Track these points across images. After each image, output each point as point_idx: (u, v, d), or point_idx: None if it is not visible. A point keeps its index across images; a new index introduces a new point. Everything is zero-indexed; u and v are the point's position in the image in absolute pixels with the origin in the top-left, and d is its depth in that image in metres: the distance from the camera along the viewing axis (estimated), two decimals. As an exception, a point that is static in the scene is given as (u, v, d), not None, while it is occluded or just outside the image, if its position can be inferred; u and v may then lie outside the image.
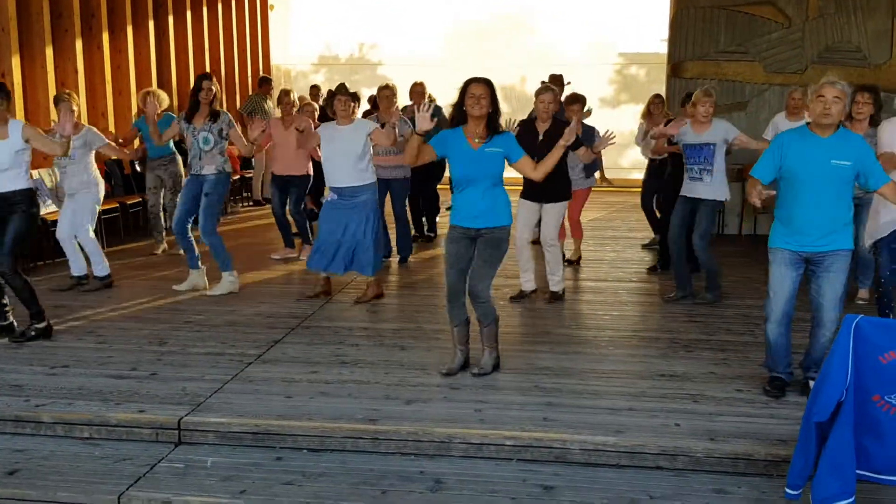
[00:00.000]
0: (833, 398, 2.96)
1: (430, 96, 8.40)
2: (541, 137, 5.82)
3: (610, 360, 4.88)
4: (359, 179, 5.92)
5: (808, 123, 4.13)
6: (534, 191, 6.01)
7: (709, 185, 6.04)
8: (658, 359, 4.90)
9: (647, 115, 8.05)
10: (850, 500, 3.03)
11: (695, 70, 9.44)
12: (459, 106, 4.41)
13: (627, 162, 15.12)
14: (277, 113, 8.46)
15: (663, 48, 10.13)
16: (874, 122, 5.68)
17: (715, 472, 3.59)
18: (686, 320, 5.76)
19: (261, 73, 13.28)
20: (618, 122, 13.68)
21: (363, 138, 5.91)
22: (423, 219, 8.88)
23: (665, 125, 6.49)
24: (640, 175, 14.86)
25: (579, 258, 7.70)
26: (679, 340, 5.27)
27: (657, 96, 8.18)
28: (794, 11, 9.18)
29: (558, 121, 6.00)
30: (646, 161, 8.30)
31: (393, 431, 3.82)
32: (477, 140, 4.40)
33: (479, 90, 4.32)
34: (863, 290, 6.27)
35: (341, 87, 6.11)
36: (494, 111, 4.39)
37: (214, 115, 6.27)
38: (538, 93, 5.87)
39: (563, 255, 6.83)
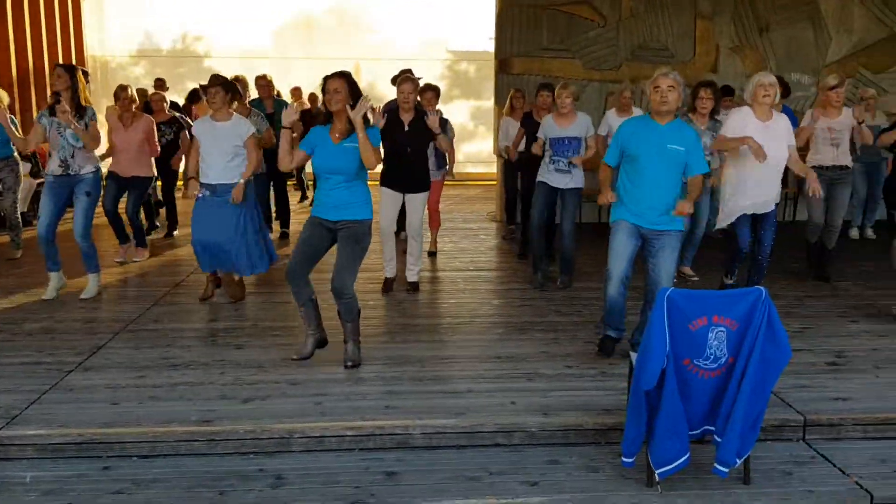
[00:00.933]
0: (657, 366, 3.17)
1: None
2: (406, 128, 5.83)
3: (449, 346, 4.98)
4: (233, 176, 5.69)
5: (649, 112, 4.45)
6: (397, 180, 6.05)
7: (576, 177, 6.32)
8: (494, 342, 5.06)
9: (511, 110, 8.30)
10: (686, 456, 3.29)
11: (521, 66, 9.80)
12: (325, 102, 4.43)
13: (462, 157, 15.49)
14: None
15: (491, 46, 10.42)
16: (713, 114, 6.31)
17: (549, 444, 3.75)
18: (520, 305, 5.98)
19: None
20: (450, 118, 14.01)
21: (241, 138, 5.66)
22: (274, 216, 8.65)
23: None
24: (474, 169, 15.36)
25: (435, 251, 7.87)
26: (513, 324, 5.46)
27: (518, 90, 8.46)
28: (609, 11, 9.75)
29: (421, 111, 6.05)
30: (495, 156, 8.60)
31: (230, 431, 3.69)
32: (338, 135, 4.42)
33: (334, 85, 4.36)
34: (686, 267, 6.77)
35: (214, 79, 5.86)
36: (356, 99, 4.40)
37: (80, 110, 5.78)
38: (399, 83, 5.88)
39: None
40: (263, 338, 5.10)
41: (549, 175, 6.37)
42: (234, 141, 5.64)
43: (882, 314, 5.62)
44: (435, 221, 7.86)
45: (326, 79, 4.39)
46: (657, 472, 3.26)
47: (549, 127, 6.31)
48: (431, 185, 6.61)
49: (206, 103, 5.73)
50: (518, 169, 8.02)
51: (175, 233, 8.78)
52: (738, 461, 3.28)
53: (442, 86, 15.38)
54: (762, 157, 5.22)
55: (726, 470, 3.27)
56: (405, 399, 4.07)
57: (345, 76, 4.39)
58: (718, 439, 3.29)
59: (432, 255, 7.83)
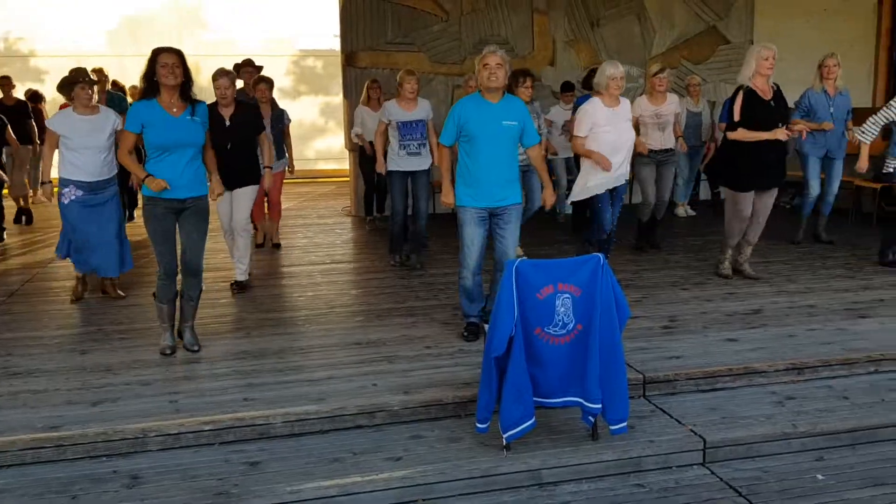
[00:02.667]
0: (505, 334, 3.32)
1: None
2: (227, 122, 5.69)
3: (307, 336, 4.96)
4: (107, 172, 5.41)
5: (479, 91, 4.60)
6: (222, 176, 5.88)
7: (426, 158, 6.54)
8: (354, 330, 5.08)
9: (367, 99, 8.39)
10: (531, 421, 3.46)
11: (367, 60, 9.84)
12: (150, 77, 4.27)
13: (313, 153, 15.35)
14: None
15: (338, 43, 10.40)
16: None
17: (411, 421, 3.84)
18: (378, 293, 6.04)
19: None
20: (299, 114, 13.84)
21: (110, 128, 5.38)
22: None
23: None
24: (326, 166, 15.24)
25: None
26: (373, 311, 5.51)
27: (374, 81, 8.50)
28: (451, 6, 9.97)
29: (242, 103, 5.90)
30: (346, 150, 8.63)
31: (79, 436, 3.52)
32: (175, 109, 4.30)
33: (171, 59, 4.24)
34: (517, 248, 7.04)
35: (81, 72, 5.44)
36: (187, 80, 4.33)
37: None
38: (214, 77, 5.71)
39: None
40: (108, 341, 4.88)
41: (400, 161, 6.51)
42: (107, 134, 5.39)
43: (706, 282, 6.13)
44: (276, 213, 7.79)
45: (159, 52, 4.25)
46: (504, 435, 3.42)
47: (396, 112, 6.44)
48: (274, 176, 6.56)
49: (75, 97, 5.39)
50: (370, 158, 8.10)
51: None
52: (626, 414, 3.50)
53: (289, 82, 15.27)
54: (608, 167, 5.75)
55: (624, 425, 3.50)
56: (265, 390, 4.03)
57: (179, 52, 4.30)
58: (592, 405, 3.46)
59: (277, 246, 7.81)
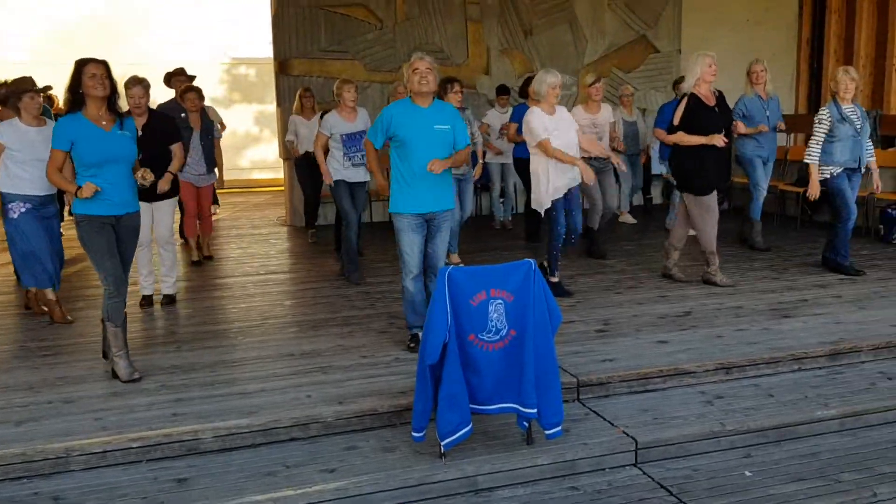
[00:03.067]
0: (439, 341, 3.32)
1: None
2: (139, 132, 5.52)
3: (240, 349, 4.87)
4: (52, 187, 5.19)
5: (409, 97, 4.58)
6: (139, 189, 5.72)
7: (365, 170, 6.49)
8: (288, 341, 5.01)
9: (300, 108, 8.28)
10: (468, 427, 3.46)
11: (301, 68, 9.76)
12: (76, 89, 4.12)
13: (248, 162, 15.14)
14: None
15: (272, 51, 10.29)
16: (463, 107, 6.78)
17: (346, 432, 3.80)
18: (313, 303, 5.96)
19: None
20: (234, 123, 13.64)
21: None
22: None
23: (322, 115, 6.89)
24: (261, 175, 15.04)
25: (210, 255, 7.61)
26: (308, 322, 5.44)
27: (307, 89, 8.42)
28: (384, 14, 9.97)
29: (156, 113, 5.75)
30: (280, 160, 8.50)
31: (-4, 458, 3.38)
32: (105, 122, 4.18)
33: (98, 69, 4.11)
34: (454, 256, 7.08)
35: (28, 81, 5.20)
36: (114, 91, 4.22)
37: None
38: (127, 86, 5.45)
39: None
40: (31, 359, 4.70)
41: (345, 171, 6.47)
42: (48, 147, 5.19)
43: (639, 286, 6.24)
44: (207, 226, 7.58)
45: (85, 63, 4.11)
46: (442, 443, 3.40)
47: (339, 125, 6.40)
48: (201, 189, 6.46)
49: (24, 108, 5.18)
50: (309, 168, 8.04)
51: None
52: (562, 417, 3.52)
53: (223, 91, 15.04)
54: (592, 178, 5.80)
55: (559, 429, 3.51)
56: (194, 405, 3.93)
57: (105, 63, 4.17)
58: (528, 410, 3.46)
59: (208, 258, 7.63)
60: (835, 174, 6.33)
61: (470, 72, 10.33)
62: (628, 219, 9.46)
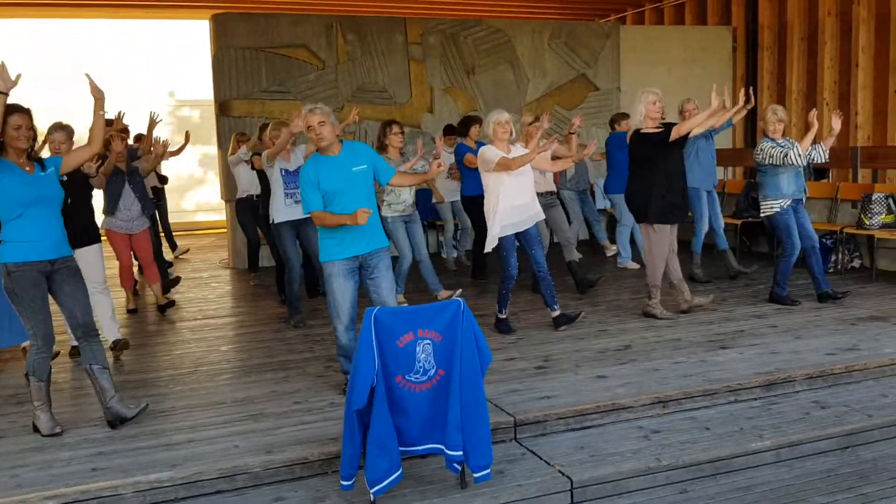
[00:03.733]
0: (366, 385, 3.24)
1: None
2: (64, 178, 5.36)
3: (170, 398, 4.71)
4: None
5: (318, 150, 4.51)
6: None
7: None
8: (220, 388, 4.87)
9: (235, 152, 8.19)
10: (398, 472, 3.37)
11: (241, 109, 9.69)
12: None
13: (192, 205, 14.92)
14: None
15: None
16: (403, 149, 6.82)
17: (274, 482, 3.67)
18: (250, 348, 5.83)
19: None
20: (177, 165, 13.45)
21: None
22: None
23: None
24: (205, 217, 14.83)
25: (168, 302, 7.27)
26: (243, 368, 5.31)
27: (242, 133, 8.38)
28: (326, 55, 9.99)
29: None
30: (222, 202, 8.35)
31: None
32: (28, 168, 4.07)
33: (24, 121, 4.03)
34: (399, 296, 7.01)
35: None
36: (35, 142, 4.17)
37: None
38: (49, 132, 5.27)
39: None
40: (-53, 415, 4.48)
41: (288, 210, 6.34)
42: None
43: (580, 321, 6.23)
44: (152, 275, 7.05)
45: (9, 113, 3.96)
46: (371, 490, 3.30)
47: (280, 162, 6.32)
48: (134, 236, 6.29)
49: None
50: (252, 210, 7.95)
51: None
52: (490, 460, 3.43)
53: (167, 133, 14.85)
54: (539, 151, 5.92)
55: (488, 471, 3.42)
56: (116, 459, 3.77)
57: (29, 111, 4.07)
58: (452, 452, 3.39)
59: (169, 305, 7.21)
60: (783, 207, 6.45)
61: (413, 111, 10.38)
62: (613, 249, 9.37)
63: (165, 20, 13.71)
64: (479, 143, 8.21)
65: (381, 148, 6.85)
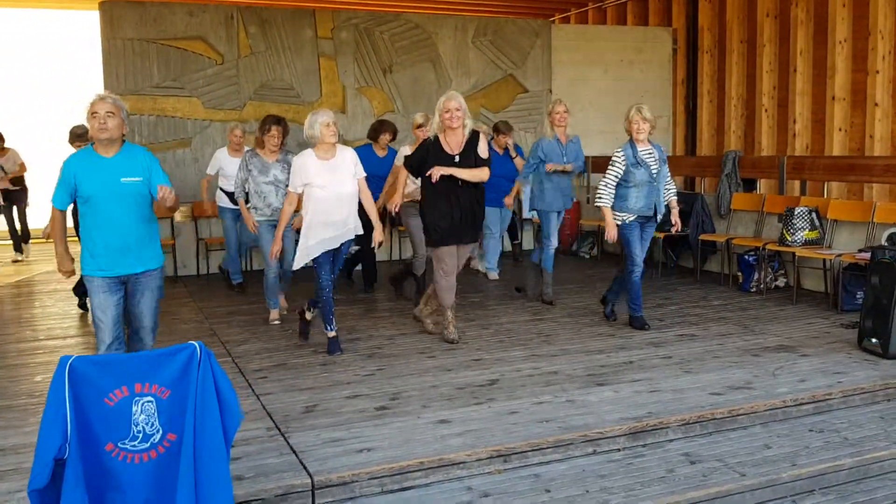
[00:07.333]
0: (48, 457, 2.52)
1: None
2: None
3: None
4: None
5: (92, 143, 3.90)
6: None
7: None
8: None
9: None
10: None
11: (132, 105, 8.86)
12: None
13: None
14: None
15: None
16: (282, 147, 6.21)
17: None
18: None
19: None
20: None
21: None
22: None
23: None
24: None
25: None
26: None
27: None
28: (226, 49, 9.24)
29: None
30: None
31: None
32: None
33: None
34: (274, 311, 6.35)
35: None
36: None
37: None
38: None
39: None
40: None
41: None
42: None
43: (457, 349, 5.55)
44: None
45: None
46: None
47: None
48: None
49: None
50: None
51: None
52: None
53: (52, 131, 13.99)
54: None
55: None
56: None
57: None
58: None
59: None
60: (627, 222, 5.81)
61: (324, 111, 9.64)
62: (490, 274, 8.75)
63: (52, 10, 12.80)
64: (359, 149, 7.48)
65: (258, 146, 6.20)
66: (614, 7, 12.52)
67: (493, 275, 8.17)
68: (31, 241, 10.26)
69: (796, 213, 6.96)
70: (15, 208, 9.93)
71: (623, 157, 5.71)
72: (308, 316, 5.61)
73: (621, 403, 4.35)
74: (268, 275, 6.21)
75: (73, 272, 4.05)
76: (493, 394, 4.55)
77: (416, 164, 5.45)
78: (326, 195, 5.14)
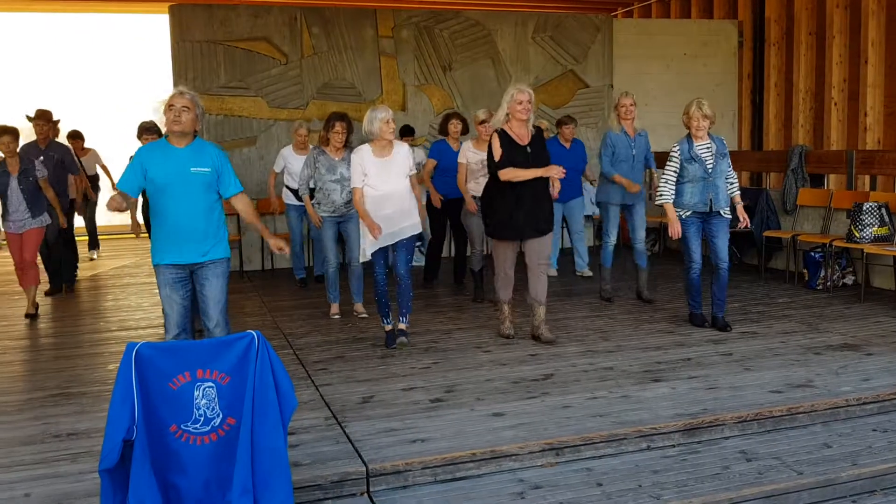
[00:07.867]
0: (118, 438, 2.66)
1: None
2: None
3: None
4: None
5: (166, 136, 4.08)
6: None
7: None
8: (53, 419, 4.27)
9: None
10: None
11: (200, 105, 9.18)
12: None
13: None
14: None
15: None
16: (347, 144, 6.23)
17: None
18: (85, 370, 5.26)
19: None
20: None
21: None
22: None
23: None
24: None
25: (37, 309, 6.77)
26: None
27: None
28: (289, 49, 9.44)
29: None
30: None
31: None
32: None
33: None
34: (358, 305, 6.49)
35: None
36: None
37: None
38: None
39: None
40: None
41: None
42: None
43: (512, 343, 5.57)
44: (32, 278, 6.61)
45: None
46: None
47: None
48: (24, 234, 5.84)
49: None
50: None
51: None
52: None
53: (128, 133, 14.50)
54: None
55: None
56: None
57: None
58: None
59: (32, 317, 6.67)
60: (683, 217, 5.73)
61: (383, 109, 9.76)
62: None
63: (122, 14, 13.22)
64: (435, 144, 7.64)
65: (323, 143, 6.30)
66: (678, 0, 12.32)
67: (586, 272, 8.10)
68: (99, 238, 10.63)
69: (865, 208, 6.75)
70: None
71: (678, 153, 5.64)
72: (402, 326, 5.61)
73: (677, 400, 4.32)
74: (328, 269, 6.35)
75: (121, 206, 4.02)
76: (548, 388, 4.57)
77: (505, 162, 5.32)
78: (378, 194, 5.23)
